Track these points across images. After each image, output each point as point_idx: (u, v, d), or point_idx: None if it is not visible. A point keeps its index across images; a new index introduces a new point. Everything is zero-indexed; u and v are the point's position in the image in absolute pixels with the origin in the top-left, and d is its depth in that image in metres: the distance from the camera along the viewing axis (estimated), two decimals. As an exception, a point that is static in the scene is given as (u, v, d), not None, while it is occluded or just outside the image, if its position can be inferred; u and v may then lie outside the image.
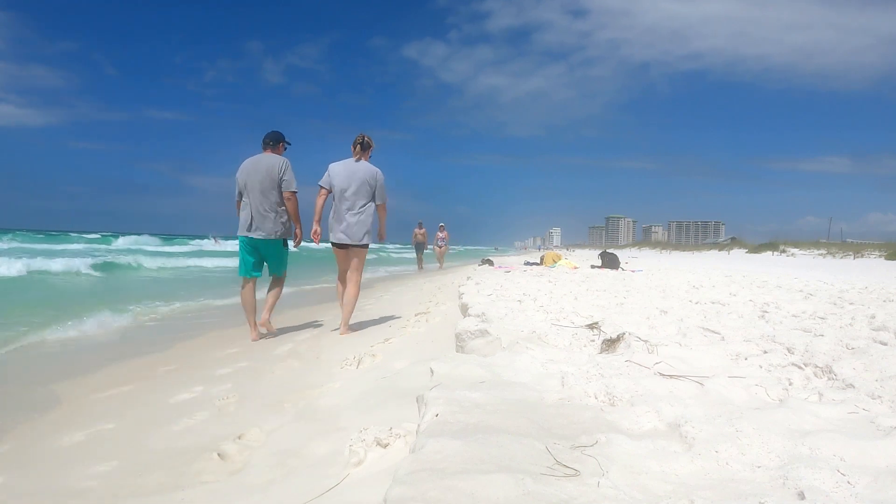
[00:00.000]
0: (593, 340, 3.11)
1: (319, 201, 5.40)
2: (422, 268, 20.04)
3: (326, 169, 5.45)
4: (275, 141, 5.54)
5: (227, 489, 2.27)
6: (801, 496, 1.28)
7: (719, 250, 49.00)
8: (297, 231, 5.65)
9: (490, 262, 15.11)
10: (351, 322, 5.74)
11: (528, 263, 14.42)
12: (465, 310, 4.77)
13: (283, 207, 5.46)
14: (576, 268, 11.96)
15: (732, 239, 58.82)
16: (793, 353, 2.79)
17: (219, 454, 2.65)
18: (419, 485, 1.29)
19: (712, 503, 1.27)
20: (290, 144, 5.69)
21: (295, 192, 5.44)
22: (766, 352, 2.87)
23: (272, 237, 5.47)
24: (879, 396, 2.07)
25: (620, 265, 13.42)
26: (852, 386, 2.21)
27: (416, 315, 6.30)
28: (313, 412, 3.09)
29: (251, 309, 5.63)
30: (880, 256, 27.47)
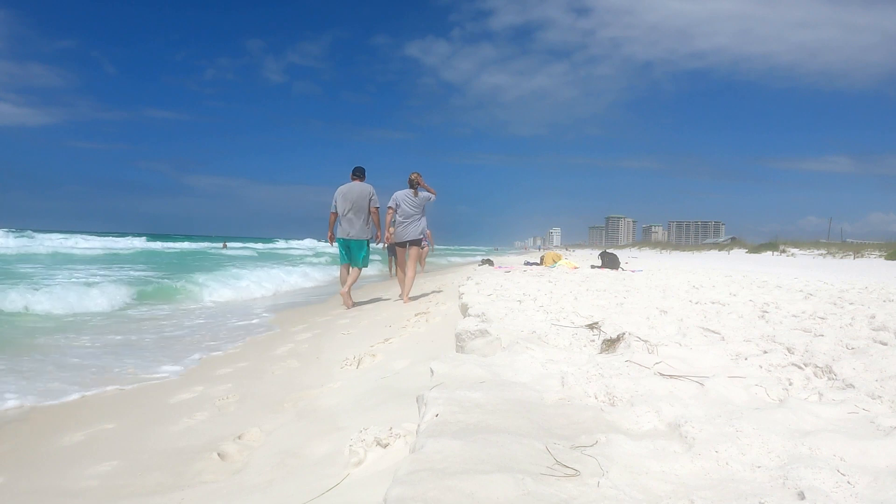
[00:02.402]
0: (593, 340, 3.11)
1: (389, 217, 8.35)
2: (394, 275, 14.97)
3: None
4: (362, 174, 8.43)
5: (227, 489, 2.27)
6: (801, 496, 1.28)
7: (719, 250, 48.94)
8: (378, 234, 8.49)
9: (490, 262, 15.10)
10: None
11: (528, 263, 14.41)
12: (465, 310, 4.77)
13: (367, 218, 8.27)
14: (576, 268, 11.96)
15: (732, 239, 58.74)
16: (793, 353, 2.79)
17: (219, 454, 2.65)
18: (419, 485, 1.29)
19: (712, 503, 1.27)
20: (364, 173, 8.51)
21: (378, 208, 8.33)
22: (766, 352, 2.87)
23: (360, 238, 8.24)
24: (879, 396, 2.06)
25: (620, 265, 13.41)
26: (852, 386, 2.21)
27: (416, 315, 6.30)
28: (313, 412, 3.08)
29: (345, 281, 8.35)
30: (880, 256, 27.44)
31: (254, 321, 7.71)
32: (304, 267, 17.78)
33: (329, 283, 13.95)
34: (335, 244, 8.49)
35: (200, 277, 11.91)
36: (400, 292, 8.38)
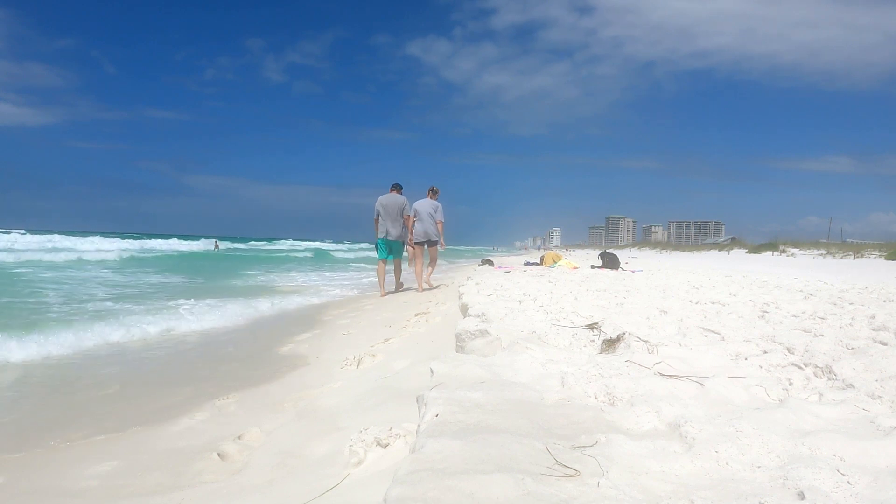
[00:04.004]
0: (593, 340, 3.11)
1: (410, 222, 10.14)
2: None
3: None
4: (400, 188, 10.26)
5: (227, 489, 2.27)
6: (801, 496, 1.28)
7: (719, 250, 48.84)
8: (410, 237, 10.22)
9: (490, 262, 15.09)
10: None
11: (528, 263, 14.40)
12: (465, 310, 4.77)
13: (403, 222, 10.11)
14: (576, 268, 11.95)
15: (732, 239, 58.61)
16: (793, 353, 2.79)
17: (219, 454, 2.65)
18: (419, 485, 1.29)
19: (712, 503, 1.27)
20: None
21: (410, 216, 10.16)
22: (766, 352, 2.86)
23: (398, 239, 10.11)
24: (879, 396, 2.06)
25: (620, 265, 13.40)
26: (852, 386, 2.21)
27: (416, 315, 6.30)
28: (313, 412, 3.09)
29: (383, 277, 10.07)
30: (880, 256, 27.39)
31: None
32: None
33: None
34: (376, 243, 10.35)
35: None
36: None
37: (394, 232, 10.09)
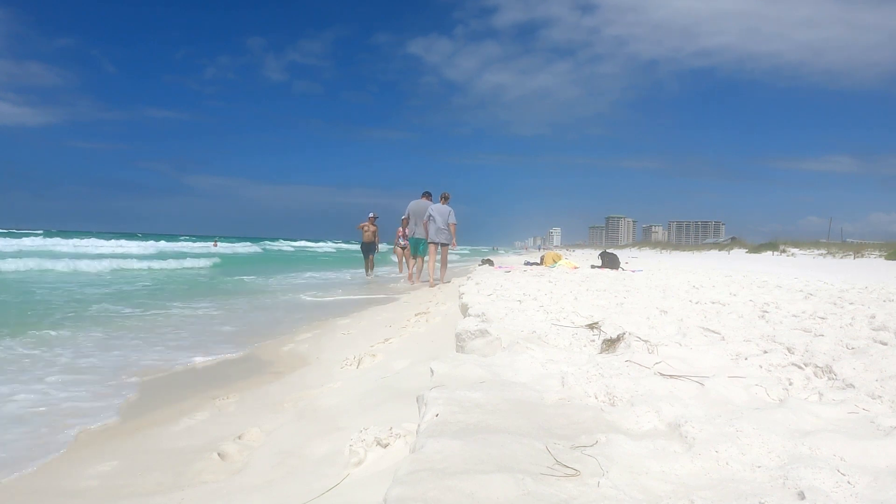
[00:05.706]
0: (593, 340, 3.11)
1: (427, 224, 11.87)
2: (370, 275, 15.67)
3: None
4: (430, 195, 12.54)
5: (227, 489, 2.27)
6: (801, 496, 1.28)
7: (719, 250, 48.80)
8: (427, 237, 12.02)
9: (490, 262, 15.08)
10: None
11: (528, 263, 14.39)
12: (465, 310, 4.76)
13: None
14: (576, 268, 11.94)
15: (732, 239, 58.56)
16: (793, 353, 2.79)
17: (219, 454, 2.65)
18: (419, 485, 1.29)
19: (712, 503, 1.27)
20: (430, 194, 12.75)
21: (425, 220, 11.94)
22: (766, 352, 2.86)
23: (422, 238, 12.17)
24: (879, 396, 2.06)
25: (620, 265, 13.39)
26: (852, 386, 2.21)
27: (416, 315, 6.30)
28: (313, 412, 3.08)
29: (411, 267, 13.05)
30: (880, 256, 27.37)
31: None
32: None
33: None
34: (407, 241, 13.04)
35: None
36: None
37: (420, 232, 12.27)
